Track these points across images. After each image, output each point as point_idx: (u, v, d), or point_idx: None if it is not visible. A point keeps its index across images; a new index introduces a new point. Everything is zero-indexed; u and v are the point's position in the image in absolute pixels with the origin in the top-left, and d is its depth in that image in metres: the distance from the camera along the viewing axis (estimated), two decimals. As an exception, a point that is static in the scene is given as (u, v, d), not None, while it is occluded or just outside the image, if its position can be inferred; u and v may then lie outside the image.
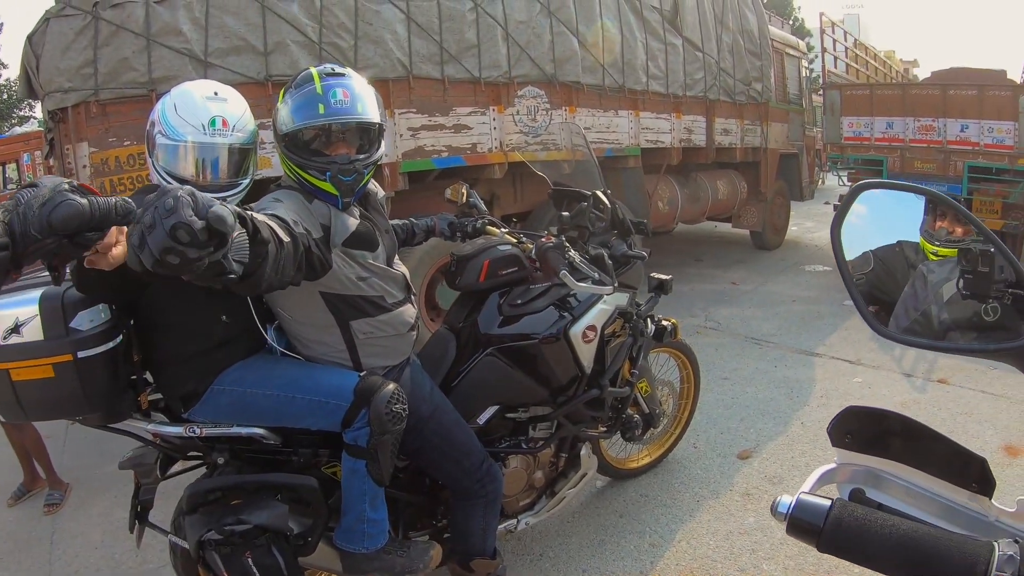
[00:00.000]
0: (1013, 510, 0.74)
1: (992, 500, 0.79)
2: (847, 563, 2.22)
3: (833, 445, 0.89)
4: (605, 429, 2.90)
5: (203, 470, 2.17)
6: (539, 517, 2.74)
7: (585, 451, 2.85)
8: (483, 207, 2.78)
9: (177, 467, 2.25)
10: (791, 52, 10.27)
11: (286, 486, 1.99)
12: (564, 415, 2.64)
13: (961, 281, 0.76)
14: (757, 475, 3.49)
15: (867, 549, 0.68)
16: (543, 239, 2.55)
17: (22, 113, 23.44)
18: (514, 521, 2.65)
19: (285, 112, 1.93)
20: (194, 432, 2.00)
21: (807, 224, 12.04)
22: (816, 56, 11.45)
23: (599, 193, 2.77)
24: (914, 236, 0.82)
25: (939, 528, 0.69)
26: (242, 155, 2.02)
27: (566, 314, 2.53)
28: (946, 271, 0.77)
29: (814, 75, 11.99)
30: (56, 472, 3.63)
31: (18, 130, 19.84)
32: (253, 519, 1.89)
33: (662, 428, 3.43)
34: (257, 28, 3.95)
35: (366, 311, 2.08)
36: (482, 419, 2.47)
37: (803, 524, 0.71)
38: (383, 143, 2.08)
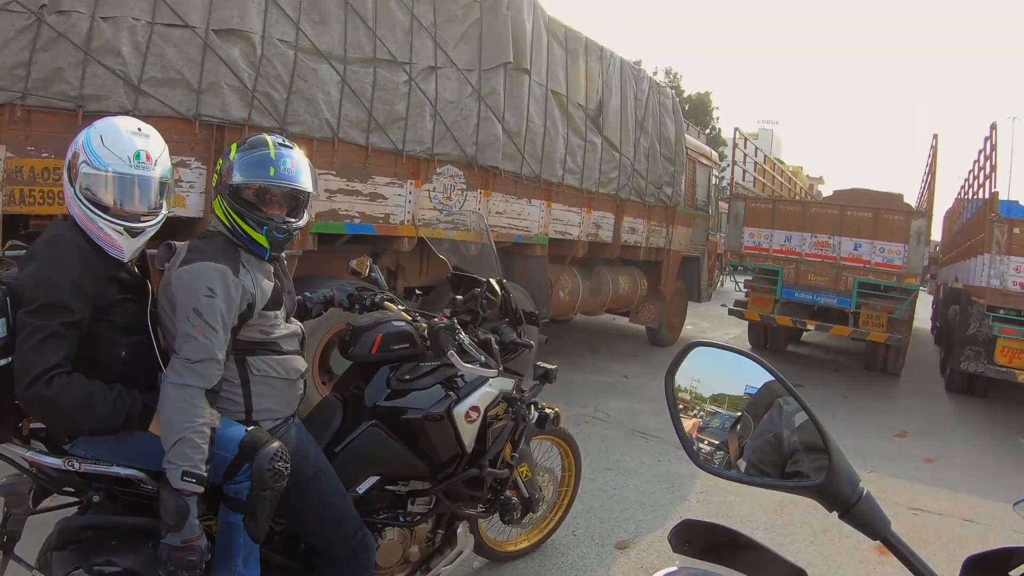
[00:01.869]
0: None
1: None
2: None
3: (673, 551, 0.99)
4: (483, 509, 2.93)
5: (75, 509, 2.10)
6: None
7: (462, 529, 2.85)
8: (383, 283, 2.86)
9: (47, 502, 2.16)
10: (703, 161, 10.88)
11: (159, 532, 1.94)
12: (443, 492, 2.66)
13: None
14: (633, 566, 3.54)
15: None
16: (436, 319, 2.63)
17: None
18: (387, 596, 2.60)
19: (237, 165, 2.14)
20: (73, 466, 1.94)
21: (703, 324, 12.58)
22: (727, 166, 12.17)
23: (492, 281, 2.90)
24: (741, 388, 0.96)
25: None
26: (162, 188, 2.09)
27: (452, 393, 2.59)
28: (795, 404, 0.89)
29: (723, 184, 12.72)
30: None
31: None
32: (122, 562, 1.88)
33: (541, 513, 3.45)
34: (195, 64, 3.93)
35: (263, 350, 2.21)
36: (361, 488, 2.47)
37: None
38: (307, 212, 2.30)
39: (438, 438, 2.56)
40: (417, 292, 5.84)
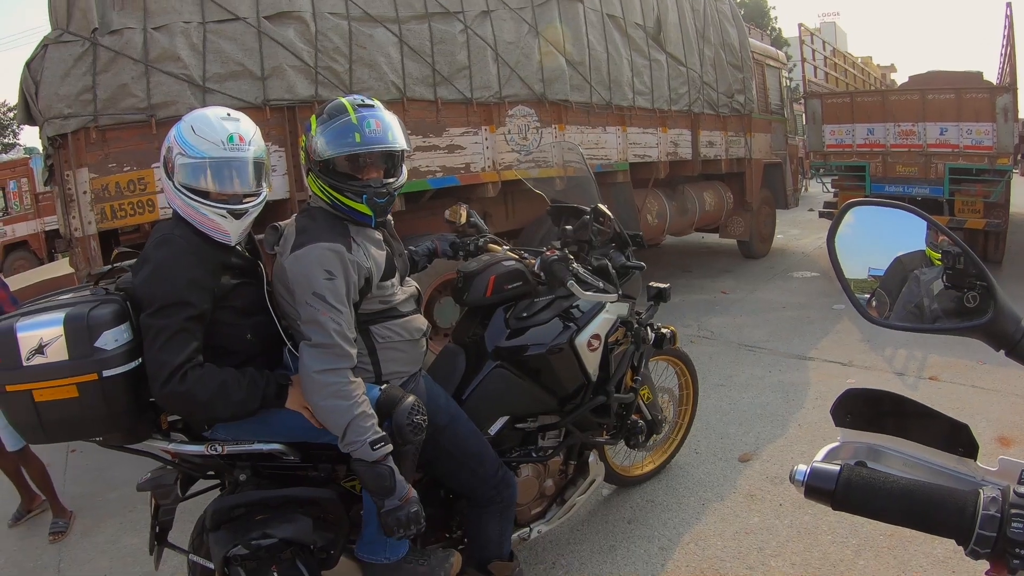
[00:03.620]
0: (995, 468, 0.85)
1: (977, 462, 0.89)
2: (850, 557, 2.29)
3: (836, 425, 0.98)
4: (611, 436, 2.96)
5: (217, 493, 2.20)
6: (551, 525, 2.78)
7: (593, 458, 2.90)
8: (484, 226, 2.84)
9: (193, 489, 2.28)
10: (771, 63, 10.45)
11: (309, 500, 2.03)
12: (572, 423, 2.70)
13: (945, 277, 0.89)
14: (759, 477, 3.55)
15: (874, 504, 0.77)
16: (547, 252, 2.62)
17: (6, 140, 23.21)
18: (527, 530, 2.69)
19: (321, 140, 2.07)
20: (216, 450, 2.03)
21: (793, 231, 12.19)
22: (796, 66, 11.62)
23: (601, 207, 2.85)
24: (905, 246, 0.95)
25: (934, 483, 0.79)
26: (258, 167, 2.11)
27: (571, 324, 2.60)
28: (935, 272, 0.89)
29: (794, 85, 12.16)
30: (60, 500, 3.63)
31: (3, 157, 19.76)
32: (278, 533, 1.93)
33: (664, 434, 3.49)
34: (254, 53, 4.01)
35: (383, 317, 2.19)
36: (493, 430, 2.52)
37: (818, 488, 0.80)
38: (405, 168, 2.24)
39: (563, 370, 2.59)
40: (505, 238, 5.87)
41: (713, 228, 9.64)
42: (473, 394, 2.50)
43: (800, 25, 10.72)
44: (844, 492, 0.79)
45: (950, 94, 8.77)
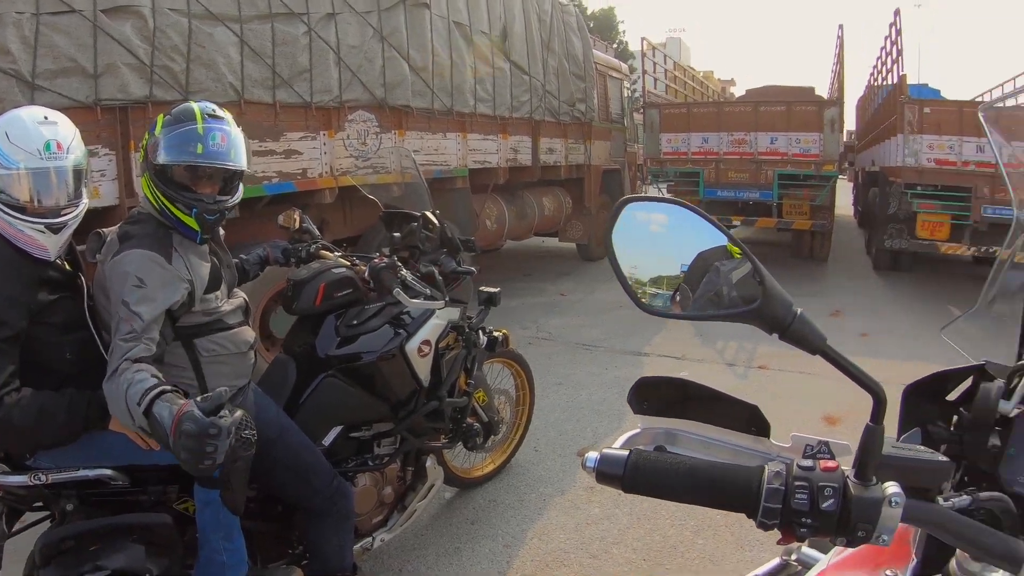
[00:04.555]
0: (788, 445, 0.89)
1: (771, 439, 0.94)
2: (689, 538, 2.47)
3: (635, 412, 1.02)
4: (447, 439, 3.02)
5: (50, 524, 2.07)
6: (393, 532, 2.79)
7: (430, 462, 2.93)
8: (316, 232, 2.81)
9: (20, 524, 2.13)
10: (614, 74, 10.98)
11: (140, 526, 1.95)
12: (406, 429, 2.72)
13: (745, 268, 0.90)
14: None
15: (664, 485, 0.80)
16: (376, 260, 2.64)
17: None
18: (369, 539, 2.68)
19: (162, 143, 2.00)
20: (39, 479, 1.89)
21: (632, 235, 12.78)
22: (638, 78, 12.23)
23: (428, 214, 2.91)
24: (706, 242, 0.93)
25: (721, 461, 0.84)
26: (78, 175, 1.98)
27: (401, 331, 2.63)
28: (735, 263, 0.90)
29: (635, 95, 12.83)
30: None
31: None
32: (111, 563, 1.85)
33: (502, 435, 3.58)
34: (88, 49, 3.72)
35: (208, 330, 2.13)
36: (327, 440, 2.50)
37: (608, 473, 0.82)
38: (242, 188, 2.19)
39: (394, 377, 2.61)
40: (344, 244, 5.80)
41: (552, 232, 10.00)
42: (305, 404, 2.47)
43: (643, 39, 11.33)
44: (632, 476, 0.81)
45: (781, 106, 9.61)
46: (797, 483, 0.74)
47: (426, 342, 2.69)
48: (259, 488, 2.31)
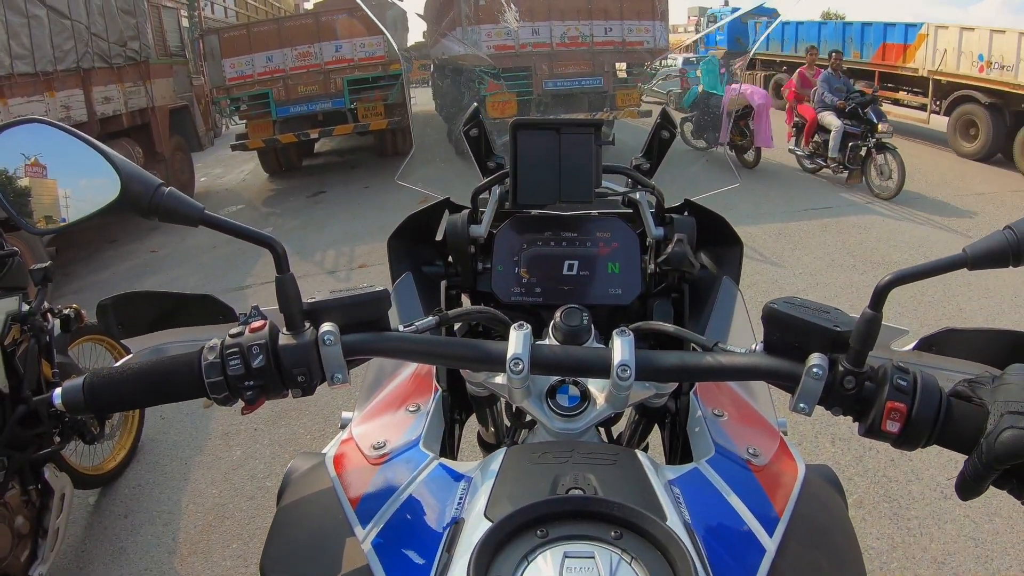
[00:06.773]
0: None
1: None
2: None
3: (116, 339, 0.98)
4: (59, 440, 2.67)
5: None
6: (49, 562, 2.48)
7: (49, 473, 2.59)
8: None
9: None
10: (168, 4, 10.07)
11: None
12: (5, 445, 2.34)
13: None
14: (230, 414, 3.61)
15: (122, 394, 0.77)
16: None
17: None
18: (27, 579, 2.33)
19: None
20: None
21: (216, 171, 12.17)
22: (208, 5, 11.44)
23: None
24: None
25: (169, 356, 0.79)
26: None
27: None
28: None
29: (194, 23, 11.94)
30: None
31: None
32: None
33: (119, 416, 3.29)
34: None
35: None
36: None
37: (73, 403, 0.77)
38: None
39: None
40: None
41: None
42: None
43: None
44: (92, 397, 0.76)
45: (343, 15, 9.68)
46: (229, 351, 0.74)
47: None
48: None
